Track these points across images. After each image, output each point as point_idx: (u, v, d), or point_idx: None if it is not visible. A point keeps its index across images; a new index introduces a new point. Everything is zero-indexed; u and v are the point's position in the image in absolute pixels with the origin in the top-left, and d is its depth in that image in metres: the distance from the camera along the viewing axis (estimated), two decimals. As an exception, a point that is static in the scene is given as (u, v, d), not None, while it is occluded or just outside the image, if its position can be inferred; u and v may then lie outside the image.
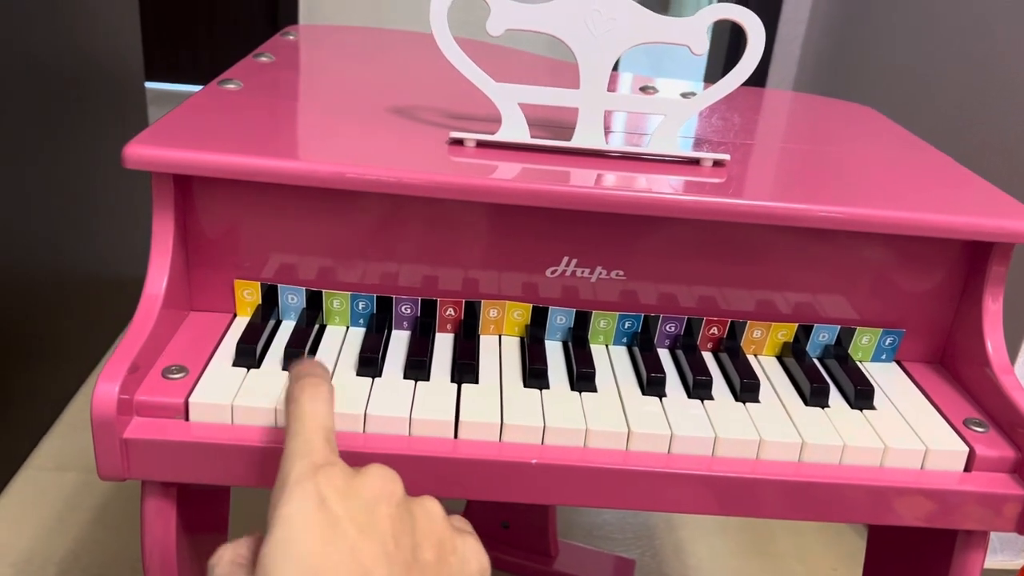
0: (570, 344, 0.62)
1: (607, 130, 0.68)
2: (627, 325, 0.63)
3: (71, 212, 1.31)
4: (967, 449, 0.55)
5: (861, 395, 0.58)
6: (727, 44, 1.71)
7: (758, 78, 1.65)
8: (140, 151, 0.54)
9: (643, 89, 0.85)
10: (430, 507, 0.40)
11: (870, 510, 0.55)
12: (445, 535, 0.40)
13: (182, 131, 0.58)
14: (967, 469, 0.55)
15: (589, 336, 0.63)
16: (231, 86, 0.69)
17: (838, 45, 1.50)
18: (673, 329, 0.63)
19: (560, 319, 0.62)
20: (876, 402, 0.59)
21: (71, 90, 1.27)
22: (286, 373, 0.56)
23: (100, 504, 1.14)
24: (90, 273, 1.39)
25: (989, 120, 1.06)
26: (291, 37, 0.91)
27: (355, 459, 0.51)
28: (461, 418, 0.53)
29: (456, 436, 0.53)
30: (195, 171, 0.54)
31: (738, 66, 0.61)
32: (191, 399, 0.52)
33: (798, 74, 1.64)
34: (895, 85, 1.31)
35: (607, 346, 0.63)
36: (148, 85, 1.75)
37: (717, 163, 0.63)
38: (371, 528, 0.37)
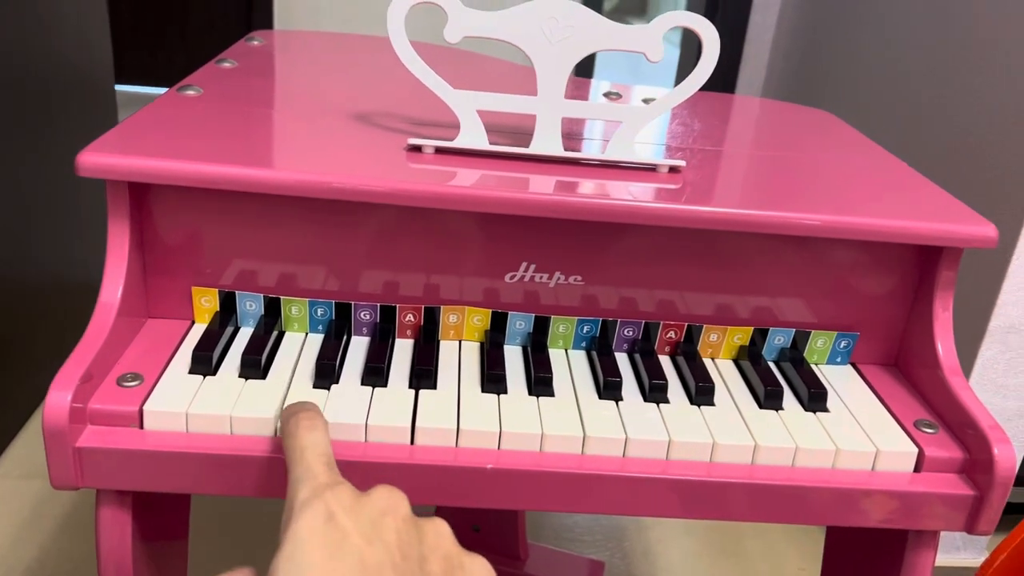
0: (529, 349, 0.62)
1: (568, 136, 0.68)
2: (586, 330, 0.63)
3: (40, 217, 1.30)
4: (916, 450, 0.56)
5: (814, 397, 0.59)
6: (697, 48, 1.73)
7: (728, 84, 1.66)
8: (93, 159, 0.54)
9: (607, 95, 0.85)
10: (439, 524, 0.41)
11: (823, 511, 0.55)
12: (452, 551, 0.40)
13: (137, 138, 0.58)
14: (917, 470, 0.56)
15: (548, 341, 0.63)
16: (191, 92, 0.69)
17: (805, 51, 1.52)
18: (631, 333, 0.63)
19: (519, 324, 0.63)
20: (829, 404, 0.60)
21: (39, 93, 1.26)
22: (243, 380, 0.56)
23: (66, 512, 1.13)
24: (59, 278, 1.38)
25: (952, 123, 1.07)
26: (256, 42, 0.91)
27: (310, 466, 0.52)
28: (417, 424, 0.53)
29: (412, 442, 0.53)
30: (149, 179, 0.54)
31: (694, 72, 0.62)
32: (145, 407, 0.52)
33: (767, 79, 1.66)
34: (861, 90, 1.33)
35: (566, 351, 0.64)
36: (120, 88, 1.74)
37: (673, 169, 0.64)
38: (378, 541, 0.37)
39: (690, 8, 1.80)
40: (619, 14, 5.73)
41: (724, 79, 1.65)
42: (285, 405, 0.50)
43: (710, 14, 1.65)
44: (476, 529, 1.08)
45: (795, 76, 1.56)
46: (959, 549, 1.13)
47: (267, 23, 2.74)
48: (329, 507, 0.38)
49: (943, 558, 1.13)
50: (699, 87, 0.62)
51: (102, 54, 1.50)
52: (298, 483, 0.41)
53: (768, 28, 1.62)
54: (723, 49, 1.68)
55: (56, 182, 1.33)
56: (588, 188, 0.59)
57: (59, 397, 0.49)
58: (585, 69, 2.74)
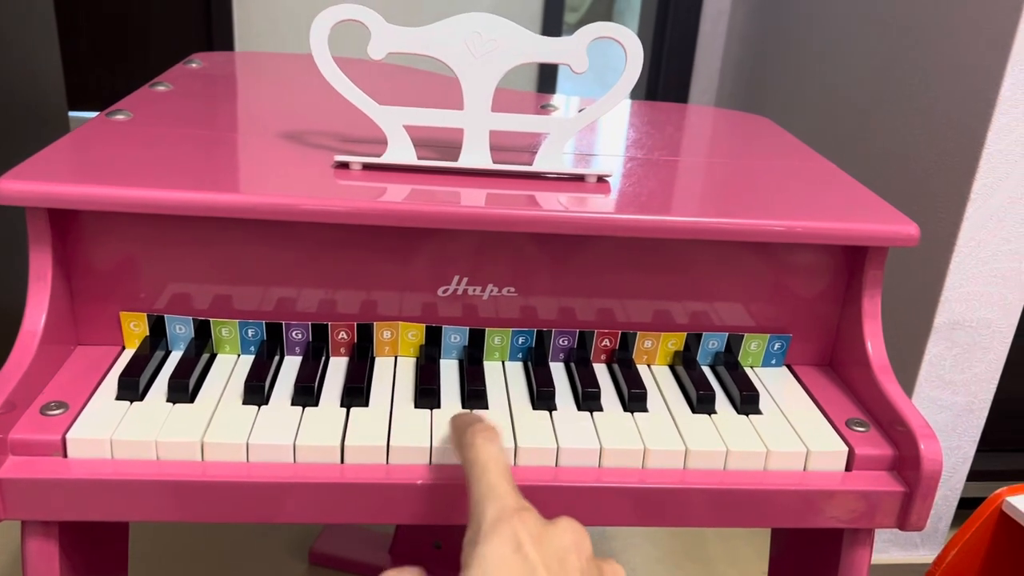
0: (464, 362, 0.62)
1: (498, 148, 0.68)
2: (521, 341, 0.63)
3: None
4: (847, 449, 0.57)
5: (746, 400, 0.59)
6: (650, 57, 1.74)
7: (681, 94, 1.68)
8: (9, 186, 0.53)
9: (543, 107, 0.86)
10: (616, 568, 0.42)
11: (756, 514, 0.56)
12: None
13: (57, 165, 0.57)
14: (848, 468, 0.57)
15: (484, 353, 0.63)
16: (120, 116, 0.69)
17: (756, 59, 1.54)
18: (566, 343, 0.63)
19: (454, 338, 0.63)
20: (762, 406, 0.60)
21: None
22: (170, 405, 0.55)
23: (17, 547, 1.11)
24: (8, 309, 1.36)
25: (892, 126, 1.09)
26: (194, 65, 0.91)
27: (236, 490, 0.51)
28: (347, 442, 0.53)
29: (343, 461, 0.53)
30: (66, 204, 0.54)
31: (619, 82, 0.62)
32: (68, 435, 0.52)
33: (719, 88, 1.68)
34: (810, 96, 1.34)
35: (503, 362, 0.64)
36: (81, 114, 1.72)
37: (601, 178, 0.64)
38: None
39: (642, 19, 1.82)
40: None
41: (677, 89, 1.67)
42: (451, 416, 0.50)
43: (660, 25, 1.67)
44: (437, 546, 1.07)
45: (747, 84, 1.58)
46: (917, 546, 1.14)
47: (228, 45, 2.73)
48: (517, 535, 0.38)
49: (903, 555, 1.14)
50: (624, 97, 0.62)
51: (53, 81, 1.49)
52: (483, 501, 0.41)
53: (718, 37, 1.64)
54: (674, 60, 1.70)
55: (7, 210, 1.31)
56: (516, 200, 0.60)
57: (-25, 429, 0.48)
58: (549, 84, 2.76)
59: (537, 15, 2.55)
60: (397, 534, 1.09)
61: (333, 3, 0.61)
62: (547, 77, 2.77)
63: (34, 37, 1.40)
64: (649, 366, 0.64)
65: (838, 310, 0.65)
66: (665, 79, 1.69)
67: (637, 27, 1.91)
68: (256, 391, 0.56)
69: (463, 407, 0.58)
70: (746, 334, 0.64)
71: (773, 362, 0.66)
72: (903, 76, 1.07)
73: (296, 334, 0.61)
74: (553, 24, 2.54)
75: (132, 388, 0.55)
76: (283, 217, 0.55)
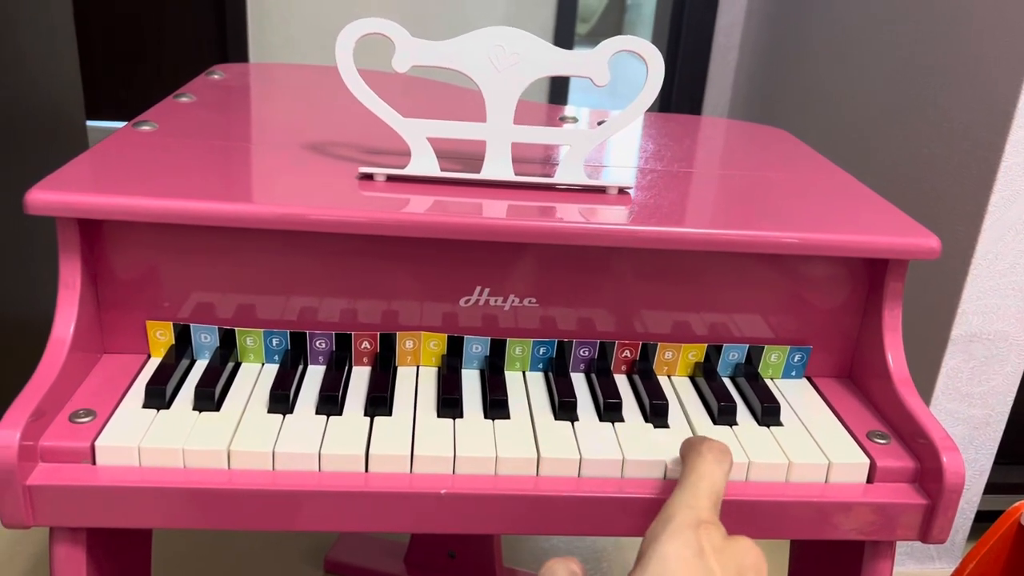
0: (486, 372, 0.62)
1: (520, 160, 0.69)
2: (542, 351, 0.64)
3: (9, 255, 1.29)
4: (868, 461, 0.57)
5: (767, 412, 0.59)
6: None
7: (694, 106, 1.68)
8: (42, 197, 0.54)
9: (562, 119, 0.87)
10: None
11: (778, 525, 0.56)
12: None
13: (87, 175, 0.58)
14: (870, 481, 0.57)
15: (505, 364, 0.63)
16: (146, 127, 0.70)
17: (768, 70, 1.55)
18: (587, 353, 0.64)
19: (476, 348, 0.63)
20: (783, 418, 0.60)
21: (6, 130, 1.26)
22: (196, 413, 0.56)
23: (38, 552, 1.12)
24: (25, 317, 1.37)
25: (911, 137, 1.09)
26: (217, 76, 0.92)
27: (262, 498, 0.52)
28: (371, 451, 0.54)
29: (367, 470, 0.54)
30: (97, 215, 0.54)
31: (640, 95, 0.63)
32: (97, 442, 0.52)
33: (732, 100, 1.68)
34: (823, 108, 1.35)
35: (524, 373, 0.64)
36: (97, 124, 1.74)
37: (622, 190, 0.64)
38: None
39: (656, 31, 1.83)
40: (595, 37, 5.81)
41: (691, 101, 1.67)
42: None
43: (674, 37, 1.68)
44: (452, 555, 1.07)
45: (760, 96, 1.59)
46: (934, 559, 1.13)
47: (242, 56, 2.75)
48: (701, 543, 0.40)
49: (919, 568, 1.14)
50: (645, 109, 0.63)
51: (72, 90, 1.50)
52: (680, 504, 0.43)
53: (732, 48, 1.65)
54: (688, 71, 1.71)
55: (27, 220, 1.33)
56: (539, 212, 0.60)
57: (7, 435, 0.49)
58: (560, 95, 2.77)
59: (549, 26, 2.56)
60: (412, 543, 1.10)
61: (345, 17, 0.62)
62: (558, 88, 2.78)
63: (54, 49, 1.41)
64: (669, 377, 0.65)
65: (858, 322, 0.65)
66: (678, 90, 1.70)
67: (650, 38, 1.92)
68: (281, 400, 0.56)
69: (485, 417, 0.58)
70: (766, 346, 0.64)
71: (793, 374, 0.66)
72: (919, 88, 1.08)
73: (320, 343, 0.62)
74: (565, 35, 2.55)
75: (159, 396, 0.56)
76: (310, 228, 0.56)
